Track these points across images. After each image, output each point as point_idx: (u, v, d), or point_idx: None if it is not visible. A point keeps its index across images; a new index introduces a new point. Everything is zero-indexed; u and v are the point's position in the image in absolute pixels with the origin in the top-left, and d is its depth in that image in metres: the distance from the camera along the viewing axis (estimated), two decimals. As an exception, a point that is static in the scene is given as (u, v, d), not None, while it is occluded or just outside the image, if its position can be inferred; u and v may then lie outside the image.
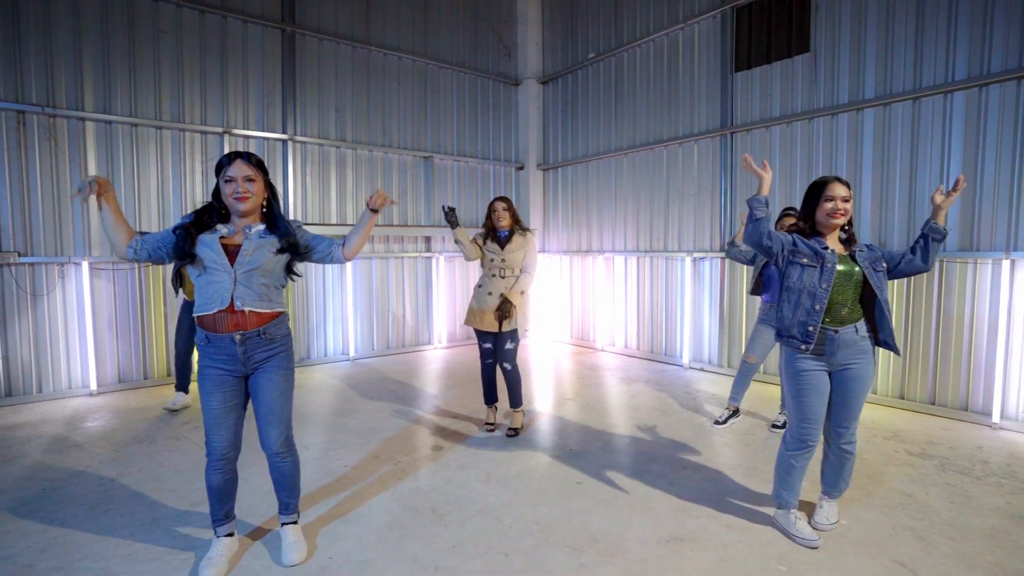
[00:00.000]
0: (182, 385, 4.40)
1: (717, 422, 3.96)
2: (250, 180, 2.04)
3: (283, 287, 2.20)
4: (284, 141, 5.94)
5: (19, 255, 4.56)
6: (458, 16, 7.28)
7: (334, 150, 6.33)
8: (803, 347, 2.30)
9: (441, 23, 7.12)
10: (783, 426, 3.80)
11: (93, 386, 4.85)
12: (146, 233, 2.06)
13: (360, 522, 2.57)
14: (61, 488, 2.92)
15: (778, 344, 2.51)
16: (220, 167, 2.04)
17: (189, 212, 2.22)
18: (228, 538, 2.26)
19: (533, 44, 7.78)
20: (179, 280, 4.13)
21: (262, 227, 2.12)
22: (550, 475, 3.09)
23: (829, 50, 4.78)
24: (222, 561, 2.16)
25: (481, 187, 7.62)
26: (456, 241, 3.76)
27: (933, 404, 4.22)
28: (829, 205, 2.30)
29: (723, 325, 5.64)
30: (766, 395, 4.75)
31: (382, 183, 6.70)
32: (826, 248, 2.31)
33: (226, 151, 5.49)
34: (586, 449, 3.50)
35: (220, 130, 5.50)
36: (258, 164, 2.09)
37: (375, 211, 2.24)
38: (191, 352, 4.39)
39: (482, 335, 3.73)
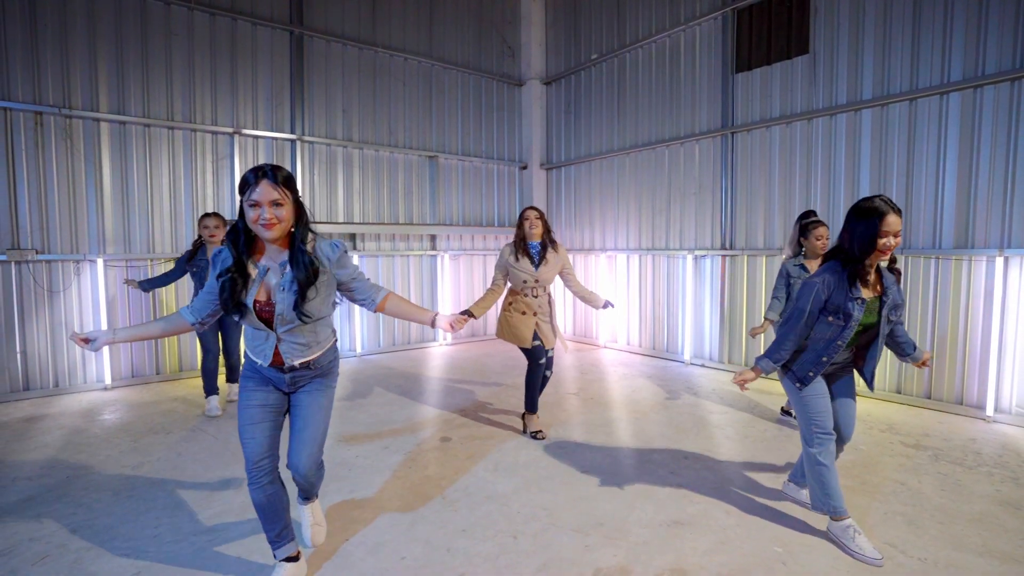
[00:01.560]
0: (213, 388, 4.22)
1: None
2: (278, 205, 1.76)
3: (331, 315, 2.02)
4: (292, 141, 6.05)
5: (36, 252, 4.68)
6: (463, 18, 7.39)
7: (341, 150, 6.44)
8: (811, 374, 2.32)
9: (446, 25, 7.23)
10: (793, 416, 3.93)
11: (108, 380, 4.97)
12: (194, 298, 1.98)
13: (373, 508, 2.68)
14: (84, 476, 3.03)
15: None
16: (244, 186, 1.77)
17: (219, 245, 2.06)
18: (290, 564, 2.03)
19: (536, 45, 7.88)
20: (166, 281, 4.23)
21: (290, 271, 1.83)
22: (555, 465, 3.20)
23: (828, 52, 4.87)
24: None
25: (485, 186, 7.73)
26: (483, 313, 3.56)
27: (929, 398, 4.32)
28: (883, 241, 2.10)
29: (724, 322, 5.74)
30: (766, 389, 4.85)
31: (388, 182, 6.82)
32: (858, 299, 2.18)
33: (236, 151, 5.62)
34: (589, 440, 3.61)
35: (230, 130, 5.61)
36: (286, 182, 1.79)
37: (435, 326, 2.05)
38: (218, 353, 4.21)
39: (535, 341, 3.59)
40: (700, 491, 2.84)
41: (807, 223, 3.61)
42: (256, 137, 5.82)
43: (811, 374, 2.31)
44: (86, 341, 1.84)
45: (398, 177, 6.91)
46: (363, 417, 4.12)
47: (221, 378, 4.71)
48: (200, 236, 4.12)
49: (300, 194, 1.88)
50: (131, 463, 3.22)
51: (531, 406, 3.73)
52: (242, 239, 1.82)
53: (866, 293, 2.22)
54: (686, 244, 6.16)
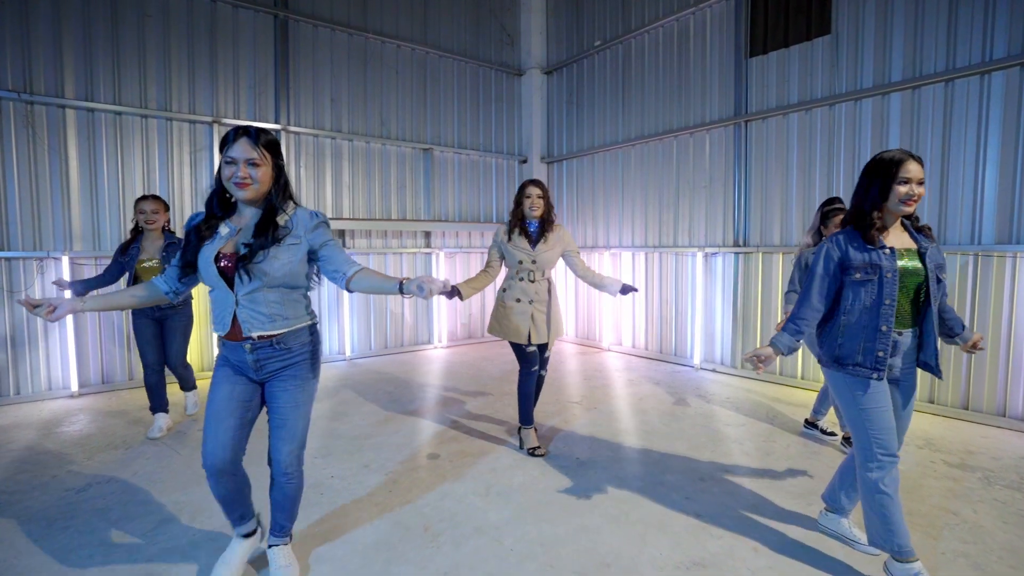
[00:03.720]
0: (158, 404, 3.64)
1: (823, 431, 3.54)
2: (254, 164, 1.73)
3: (305, 295, 1.91)
4: (277, 131, 5.68)
5: (-6, 249, 4.33)
6: (459, 3, 7.00)
7: (329, 141, 6.07)
8: (875, 375, 1.92)
9: (441, 10, 6.85)
10: (819, 429, 3.54)
11: (74, 387, 4.61)
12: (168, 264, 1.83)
13: (345, 542, 2.31)
14: (21, 501, 2.67)
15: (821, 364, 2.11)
16: (224, 143, 1.74)
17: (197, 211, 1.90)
18: (247, 539, 2.05)
19: (537, 32, 7.50)
20: (106, 280, 3.55)
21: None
22: (555, 488, 2.83)
23: (852, 31, 4.48)
24: (237, 563, 2.00)
25: (483, 181, 7.35)
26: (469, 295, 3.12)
27: (966, 409, 3.93)
28: (903, 189, 1.86)
29: (737, 324, 5.35)
30: (783, 398, 4.46)
31: (380, 176, 6.44)
32: (883, 249, 1.91)
33: (215, 142, 5.25)
34: (594, 458, 3.23)
35: (209, 119, 5.25)
36: (268, 145, 1.77)
37: (404, 292, 1.77)
38: (162, 364, 3.65)
39: (528, 345, 3.18)
40: (722, 521, 2.46)
41: (829, 210, 3.25)
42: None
43: (881, 355, 1.90)
44: (51, 311, 1.64)
45: (390, 171, 6.53)
46: (344, 429, 3.75)
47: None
48: (136, 223, 3.54)
49: (284, 162, 1.83)
50: (77, 485, 2.86)
51: (526, 418, 3.32)
52: (216, 199, 1.81)
53: (893, 242, 1.95)
54: (696, 241, 5.77)
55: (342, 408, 4.26)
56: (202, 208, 1.87)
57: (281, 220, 1.81)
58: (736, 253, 5.32)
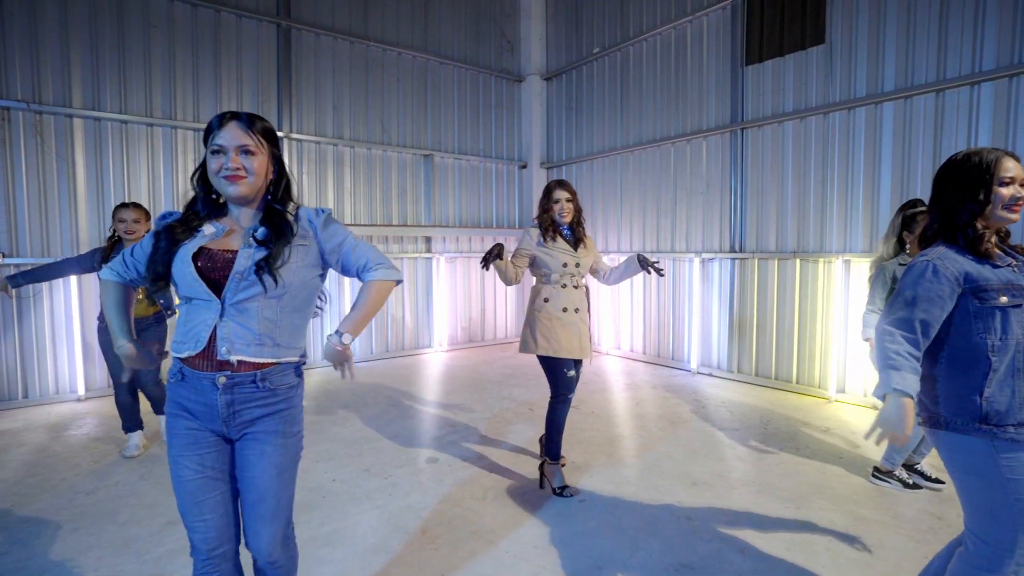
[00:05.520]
0: (133, 425, 3.44)
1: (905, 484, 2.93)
2: (248, 152, 1.36)
3: (307, 319, 1.51)
4: (280, 138, 5.76)
5: (3, 256, 4.41)
6: (459, 10, 7.10)
7: (331, 148, 6.16)
8: (1002, 423, 1.42)
9: (442, 18, 6.94)
10: (890, 474, 2.95)
11: (81, 391, 4.70)
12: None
13: (343, 544, 2.39)
14: (30, 504, 2.76)
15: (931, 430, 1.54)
16: (209, 132, 1.38)
17: (169, 211, 1.52)
18: None
19: (536, 39, 7.58)
20: (62, 270, 3.28)
21: (263, 228, 1.42)
22: (549, 492, 2.90)
23: (846, 41, 4.55)
24: None
25: (483, 186, 7.43)
26: (492, 268, 2.81)
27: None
28: (1007, 192, 1.45)
29: (733, 329, 5.42)
30: (778, 402, 4.53)
31: (381, 182, 6.53)
32: (1012, 266, 1.49)
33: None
34: (590, 462, 3.31)
35: (213, 127, 5.34)
36: (265, 133, 1.41)
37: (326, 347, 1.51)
38: (134, 382, 3.37)
39: (567, 363, 2.85)
40: (711, 526, 2.53)
41: (913, 213, 2.80)
42: (241, 134, 5.54)
43: (1001, 423, 1.41)
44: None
45: (391, 176, 6.62)
46: (345, 434, 3.83)
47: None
48: (114, 231, 3.25)
49: (282, 153, 1.50)
50: (86, 488, 2.94)
51: (556, 452, 2.88)
52: (200, 201, 1.44)
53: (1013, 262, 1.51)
54: (693, 246, 5.84)
55: (342, 412, 4.34)
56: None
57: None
58: (732, 259, 5.39)
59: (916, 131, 4.16)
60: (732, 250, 5.44)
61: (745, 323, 5.32)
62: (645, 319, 6.34)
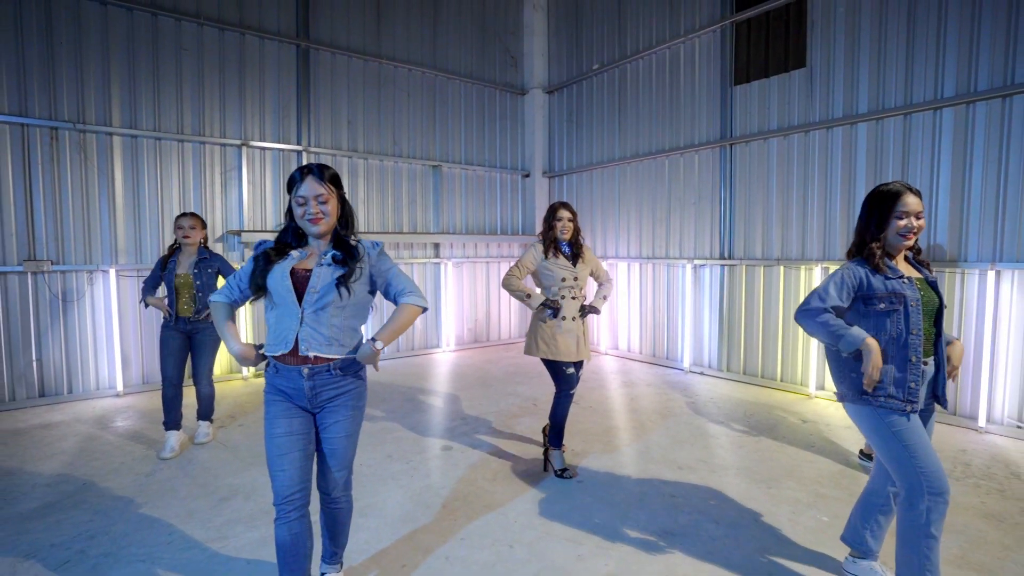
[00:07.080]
0: (173, 422, 3.64)
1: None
2: (323, 201, 1.83)
3: (361, 324, 1.96)
4: (299, 152, 6.18)
5: (52, 263, 4.83)
6: (466, 28, 7.51)
7: (347, 160, 6.57)
8: (908, 407, 1.89)
9: (449, 36, 7.35)
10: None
11: (119, 387, 5.11)
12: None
13: (376, 515, 2.79)
14: (100, 483, 3.16)
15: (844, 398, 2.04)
16: (292, 184, 1.86)
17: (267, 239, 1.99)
18: None
19: (539, 55, 7.99)
20: (150, 289, 3.65)
21: (334, 252, 1.88)
22: (552, 473, 3.29)
23: (824, 65, 4.95)
24: None
25: (488, 195, 7.84)
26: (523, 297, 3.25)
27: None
28: (902, 223, 1.89)
29: (723, 330, 5.82)
30: (761, 399, 4.93)
31: (392, 191, 6.94)
32: (902, 278, 1.91)
33: (244, 162, 5.76)
34: (588, 450, 3.70)
35: (239, 142, 5.75)
36: (332, 180, 1.87)
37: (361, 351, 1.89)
38: (181, 378, 3.69)
39: (567, 363, 3.25)
40: (691, 502, 2.93)
41: None
42: (264, 148, 5.96)
43: (913, 386, 1.88)
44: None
45: (402, 186, 7.03)
46: (367, 426, 4.23)
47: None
48: (175, 240, 3.68)
49: (344, 192, 1.96)
50: (144, 470, 3.35)
51: (558, 440, 3.32)
52: (290, 232, 1.92)
53: (908, 271, 1.98)
54: (686, 253, 6.24)
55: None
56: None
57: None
58: (722, 265, 5.79)
59: (887, 150, 4.55)
60: (722, 257, 5.83)
61: (734, 325, 5.72)
62: (641, 321, 6.75)
